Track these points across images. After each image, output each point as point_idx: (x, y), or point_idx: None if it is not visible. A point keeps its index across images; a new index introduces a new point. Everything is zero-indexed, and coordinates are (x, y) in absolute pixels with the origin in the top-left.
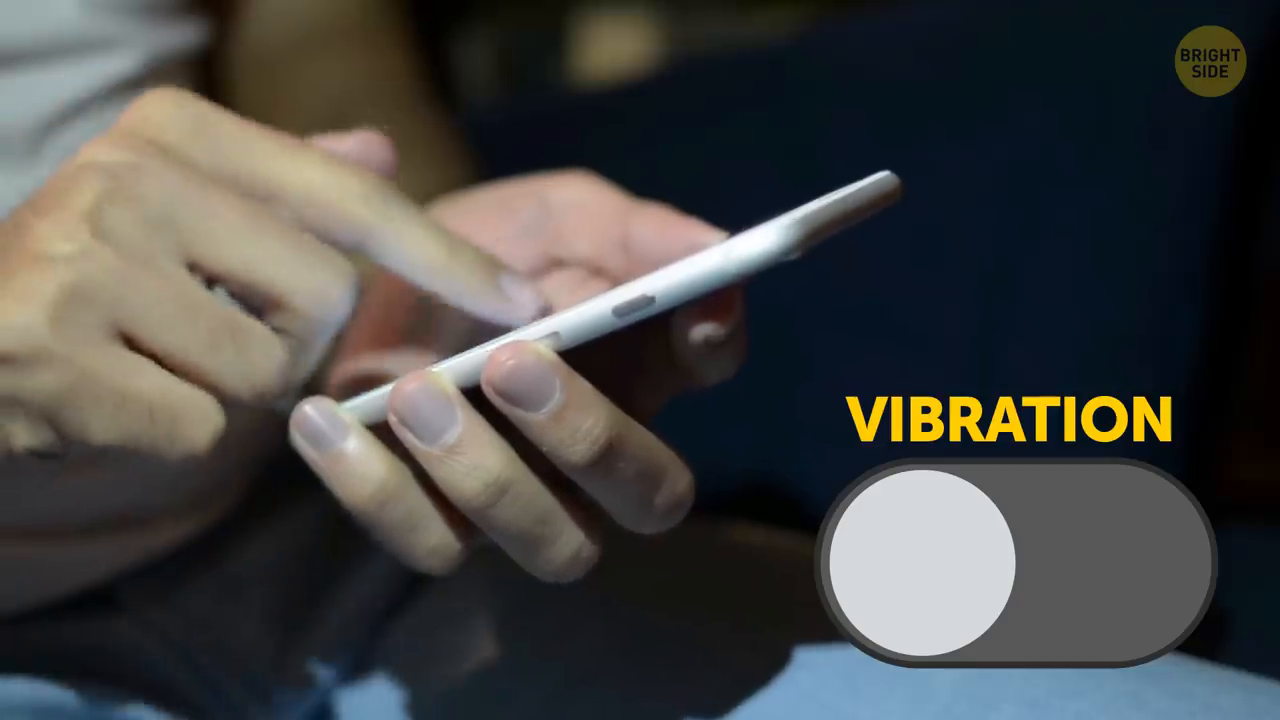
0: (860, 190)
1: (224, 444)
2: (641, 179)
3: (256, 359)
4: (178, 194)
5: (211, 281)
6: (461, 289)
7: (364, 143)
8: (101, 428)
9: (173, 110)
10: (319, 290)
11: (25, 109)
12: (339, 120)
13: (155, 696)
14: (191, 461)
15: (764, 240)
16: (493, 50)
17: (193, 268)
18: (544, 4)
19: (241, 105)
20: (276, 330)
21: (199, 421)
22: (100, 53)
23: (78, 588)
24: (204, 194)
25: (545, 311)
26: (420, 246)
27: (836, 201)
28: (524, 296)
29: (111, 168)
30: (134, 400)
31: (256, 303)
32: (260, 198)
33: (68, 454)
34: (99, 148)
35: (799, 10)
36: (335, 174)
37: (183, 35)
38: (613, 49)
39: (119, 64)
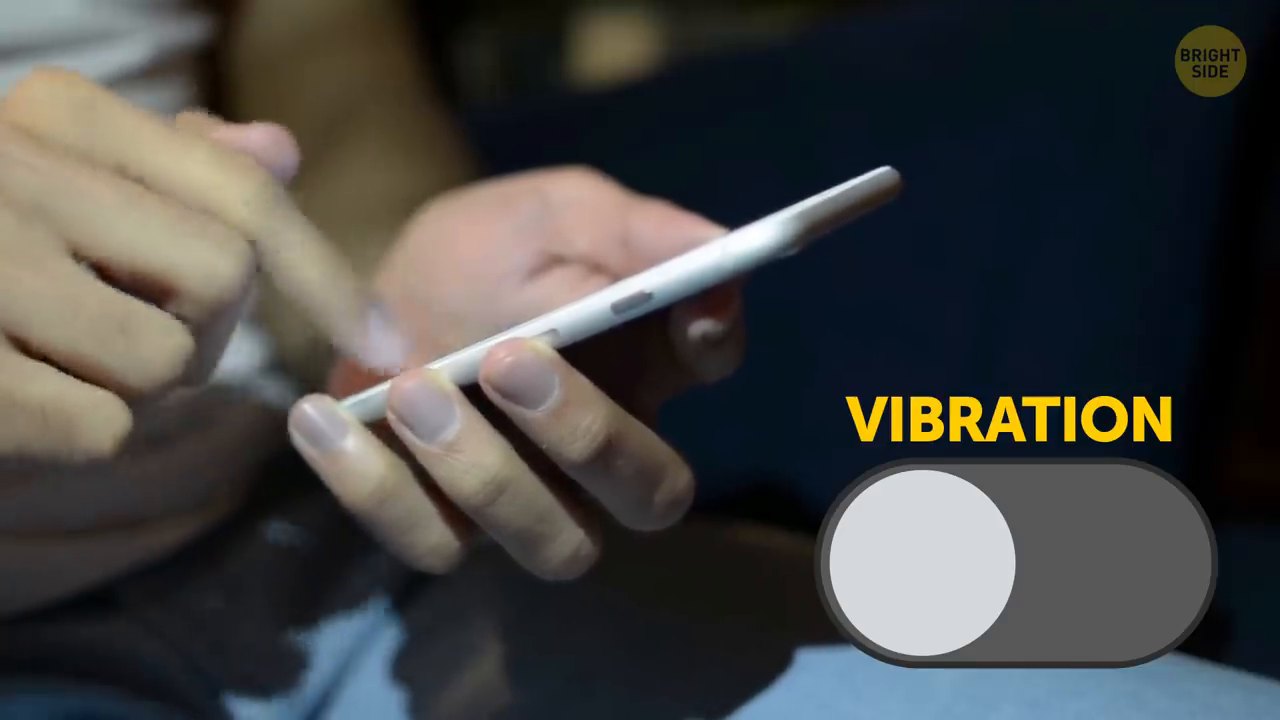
0: (858, 186)
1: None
2: (641, 179)
3: (150, 347)
4: (48, 180)
5: (107, 276)
6: (330, 310)
7: (269, 138)
8: None
9: (56, 92)
10: (206, 268)
11: None
12: (342, 117)
13: (155, 696)
14: (96, 467)
15: (761, 235)
16: (494, 53)
17: (78, 258)
18: (544, 6)
19: (246, 102)
20: (177, 318)
21: (100, 424)
22: (102, 45)
23: (77, 588)
24: (76, 178)
25: (409, 359)
26: (297, 260)
27: (834, 197)
28: (382, 337)
29: None
30: (23, 407)
31: (149, 290)
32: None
33: None
34: None
35: (799, 10)
36: (220, 172)
37: (186, 30)
38: (613, 49)
39: (122, 57)
